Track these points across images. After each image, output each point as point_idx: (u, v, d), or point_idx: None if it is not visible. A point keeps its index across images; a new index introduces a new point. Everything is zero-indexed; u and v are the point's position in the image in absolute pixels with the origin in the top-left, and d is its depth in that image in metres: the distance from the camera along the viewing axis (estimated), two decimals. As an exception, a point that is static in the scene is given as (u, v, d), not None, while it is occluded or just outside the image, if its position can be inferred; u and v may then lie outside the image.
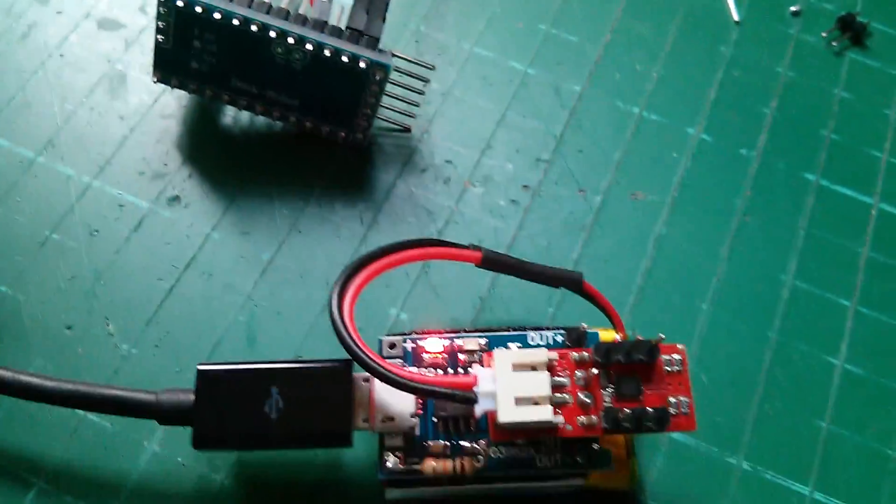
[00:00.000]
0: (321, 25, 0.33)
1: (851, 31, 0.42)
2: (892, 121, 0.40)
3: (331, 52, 0.32)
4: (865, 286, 0.36)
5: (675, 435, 0.32)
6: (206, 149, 0.37)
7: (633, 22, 0.41)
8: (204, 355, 0.33)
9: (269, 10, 0.32)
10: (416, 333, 0.30)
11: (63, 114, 0.37)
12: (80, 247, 0.34)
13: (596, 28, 0.41)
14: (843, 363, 0.34)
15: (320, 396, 0.28)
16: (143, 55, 0.39)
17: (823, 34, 0.42)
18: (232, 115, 0.38)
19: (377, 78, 0.33)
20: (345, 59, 0.32)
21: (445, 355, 0.30)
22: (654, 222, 0.36)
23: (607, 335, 0.31)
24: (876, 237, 0.37)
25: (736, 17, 0.42)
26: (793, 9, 0.42)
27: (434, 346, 0.30)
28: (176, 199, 0.36)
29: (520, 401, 0.27)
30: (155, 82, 0.35)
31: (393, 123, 0.37)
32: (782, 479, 0.32)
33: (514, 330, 0.31)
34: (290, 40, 0.32)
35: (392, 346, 0.30)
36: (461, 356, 0.30)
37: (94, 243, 0.35)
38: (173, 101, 0.38)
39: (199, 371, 0.28)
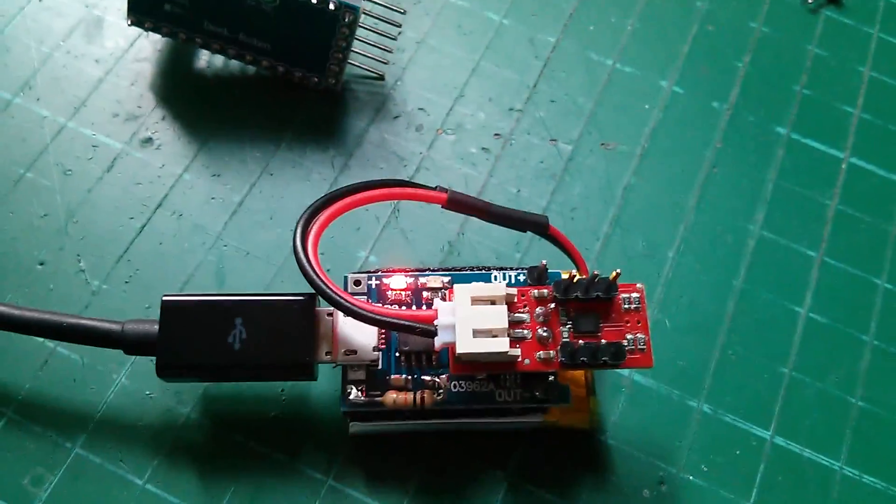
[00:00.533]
0: (292, -34, 0.33)
1: (829, -12, 0.42)
2: (865, 77, 0.40)
3: (300, -7, 0.32)
4: (832, 238, 0.36)
5: (637, 377, 0.33)
6: (179, 92, 0.37)
7: (609, -25, 0.41)
8: (173, 293, 0.33)
9: (239, -50, 0.32)
10: (382, 272, 0.31)
11: (40, 57, 0.37)
12: (54, 185, 0.35)
13: (572, -20, 0.41)
14: (807, 312, 0.34)
15: (283, 329, 0.29)
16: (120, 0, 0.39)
17: (800, -9, 0.42)
18: (206, 59, 0.38)
19: (347, 20, 0.33)
20: (314, 0, 0.32)
21: (409, 292, 0.30)
22: (624, 172, 0.37)
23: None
24: (845, 190, 0.37)
25: (713, -28, 0.42)
26: (770, -35, 0.43)
27: (398, 283, 0.30)
28: (149, 140, 0.36)
29: (478, 333, 0.27)
30: (129, 25, 0.35)
31: (366, 69, 0.37)
32: (743, 423, 0.32)
33: (478, 270, 0.31)
34: (260, -20, 0.32)
35: (357, 282, 0.30)
36: (425, 293, 0.30)
37: (68, 182, 0.35)
38: (148, 45, 0.38)
39: (164, 301, 0.29)
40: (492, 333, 0.27)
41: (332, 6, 0.33)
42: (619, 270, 0.28)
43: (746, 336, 0.34)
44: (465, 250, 0.35)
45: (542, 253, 0.34)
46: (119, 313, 0.32)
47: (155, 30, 0.35)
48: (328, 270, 0.33)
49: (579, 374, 0.30)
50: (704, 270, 0.35)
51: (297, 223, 0.28)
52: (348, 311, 0.27)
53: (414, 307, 0.30)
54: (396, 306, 0.30)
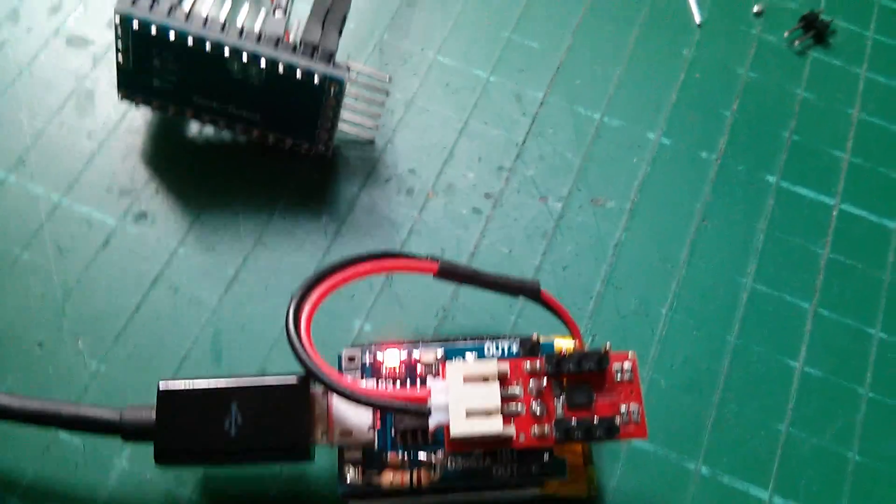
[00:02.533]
0: (276, 41, 0.33)
1: (814, 29, 0.42)
2: (853, 119, 0.40)
3: (285, 69, 0.33)
4: (825, 288, 0.36)
5: (634, 441, 0.33)
6: (172, 163, 0.37)
7: (594, 26, 0.42)
8: (171, 370, 0.33)
9: (223, 28, 0.33)
10: (376, 346, 0.31)
11: (33, 131, 0.38)
12: (50, 265, 0.35)
13: (557, 33, 0.41)
14: (802, 365, 0.35)
15: (278, 411, 0.29)
16: (111, 71, 0.39)
17: (786, 34, 0.42)
18: (197, 129, 0.38)
19: (333, 92, 0.33)
20: (299, 74, 0.33)
21: (403, 367, 0.31)
22: (614, 228, 0.37)
23: (564, 343, 0.32)
24: (837, 238, 0.37)
25: (698, 18, 0.42)
26: (755, 9, 0.43)
27: (392, 358, 0.31)
28: (143, 215, 0.36)
29: (471, 413, 0.27)
30: (119, 100, 0.36)
31: (356, 134, 0.38)
32: (741, 483, 0.32)
33: (472, 340, 0.31)
34: (245, 58, 0.32)
35: (351, 358, 0.31)
36: (419, 368, 0.31)
37: (63, 261, 0.35)
38: (140, 117, 0.38)
39: (160, 389, 0.29)
40: (485, 412, 0.27)
41: (317, 80, 0.33)
42: (609, 344, 0.28)
43: (742, 393, 0.34)
44: (459, 314, 0.35)
45: (537, 313, 0.34)
46: (118, 394, 0.33)
47: (146, 104, 0.36)
48: (323, 342, 0.34)
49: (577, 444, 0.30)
50: (698, 326, 0.35)
51: (289, 304, 0.29)
52: (342, 394, 0.27)
53: (408, 382, 0.30)
54: (391, 382, 0.30)
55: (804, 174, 0.39)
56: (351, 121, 0.37)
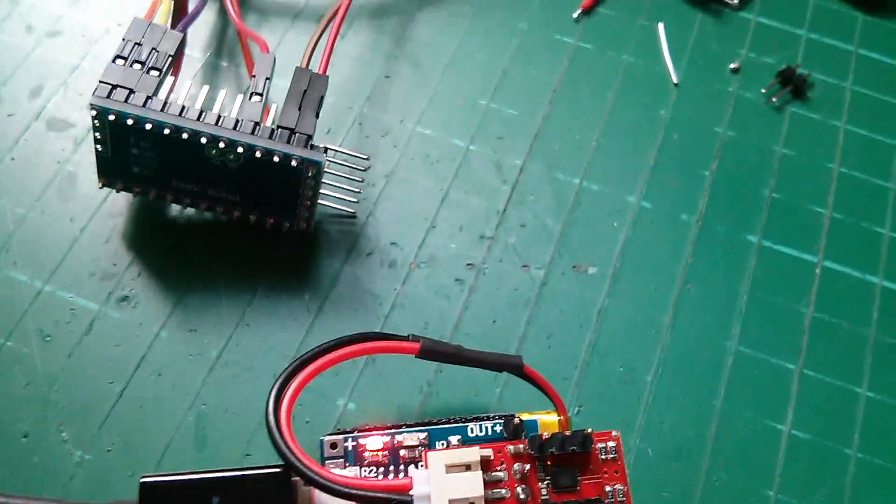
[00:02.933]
0: (253, 127, 0.33)
1: (792, 83, 0.42)
2: (834, 174, 0.40)
3: (262, 154, 0.33)
4: (810, 348, 0.36)
5: (622, 515, 0.32)
6: (154, 245, 0.37)
7: (571, 91, 0.42)
8: (156, 456, 0.33)
9: (200, 116, 0.33)
10: (358, 431, 0.31)
11: (15, 218, 0.38)
12: (34, 353, 0.35)
13: (535, 100, 0.42)
14: (789, 428, 0.34)
15: (261, 503, 0.29)
16: (92, 153, 0.39)
17: (763, 89, 0.42)
18: (179, 210, 0.38)
19: (311, 173, 0.34)
20: (276, 158, 0.33)
21: (386, 452, 0.30)
22: (597, 294, 0.37)
23: (549, 419, 0.31)
24: (820, 296, 0.37)
25: (675, 78, 0.42)
26: (732, 66, 0.43)
27: (375, 444, 0.31)
28: (125, 298, 0.36)
29: (454, 502, 0.27)
30: (100, 188, 0.36)
31: (337, 209, 0.38)
32: (732, 552, 0.32)
33: (455, 422, 0.31)
34: (221, 144, 0.33)
35: (333, 445, 0.31)
36: (402, 452, 0.30)
37: (47, 349, 0.35)
38: (122, 198, 0.38)
39: (142, 484, 0.29)
40: (469, 502, 0.27)
41: (293, 163, 0.33)
42: (590, 430, 0.28)
43: (730, 459, 0.34)
44: (444, 390, 0.35)
45: (522, 386, 0.33)
46: (103, 483, 0.33)
47: (126, 189, 0.36)
48: (307, 423, 0.34)
49: (562, 523, 0.30)
50: (684, 393, 0.35)
51: (269, 394, 0.29)
52: (322, 487, 0.27)
53: (392, 468, 0.30)
54: (374, 470, 0.30)
55: (786, 232, 0.39)
56: (332, 196, 0.37)
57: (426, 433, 0.31)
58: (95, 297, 0.36)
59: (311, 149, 0.34)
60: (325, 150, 0.34)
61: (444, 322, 0.36)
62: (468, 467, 0.28)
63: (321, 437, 0.31)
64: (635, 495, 0.28)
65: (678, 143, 0.41)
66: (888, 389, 0.35)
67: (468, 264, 0.38)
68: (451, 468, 0.28)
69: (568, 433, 0.28)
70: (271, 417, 0.28)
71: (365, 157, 0.36)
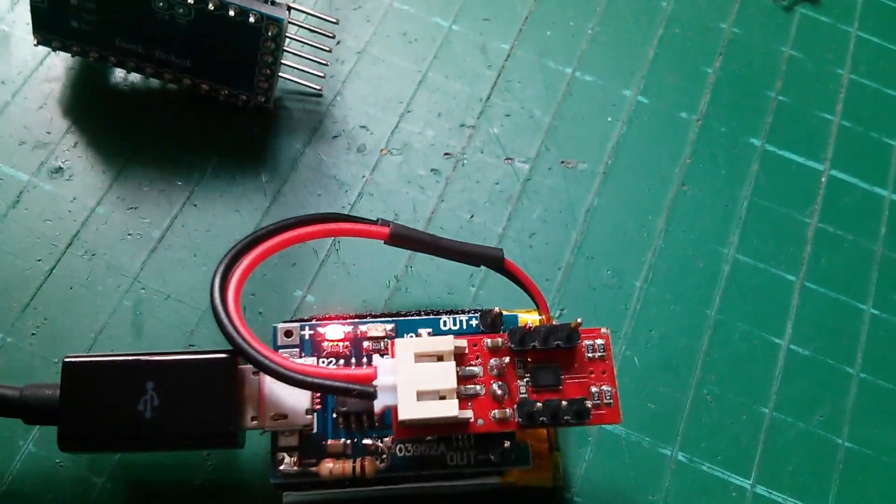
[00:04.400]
0: (207, -27, 0.29)
1: (803, -17, 0.39)
2: (844, 80, 0.37)
3: (215, 6, 0.29)
4: (813, 260, 0.33)
5: (605, 425, 0.30)
6: (93, 115, 0.33)
7: (567, -26, 0.38)
8: (85, 345, 0.29)
9: (147, -42, 0.29)
10: (317, 319, 0.28)
11: (-64, 77, 0.34)
12: (-49, 224, 0.31)
13: (527, -20, 0.38)
14: (787, 343, 0.32)
15: (202, 392, 0.25)
16: (28, 13, 0.35)
17: (773, -13, 0.39)
18: (123, 77, 0.34)
19: (271, 33, 0.30)
20: (231, 12, 0.29)
21: (348, 343, 0.27)
22: (586, 192, 0.34)
23: (530, 317, 0.28)
24: (826, 206, 0.34)
25: (679, -32, 0.39)
26: (740, -40, 0.39)
27: (335, 333, 0.27)
28: (59, 170, 0.32)
29: (423, 395, 0.24)
30: (35, 45, 0.32)
31: (301, 84, 0.34)
32: (721, 472, 0.30)
33: (426, 314, 0.28)
34: (170, -8, 0.29)
35: (288, 333, 0.27)
36: (366, 344, 0.27)
37: (-34, 221, 0.31)
38: (60, 63, 0.34)
39: (65, 364, 0.25)
40: (439, 395, 0.24)
41: (252, 19, 0.29)
42: (580, 319, 0.25)
43: (723, 373, 0.31)
44: (413, 286, 0.31)
45: (500, 285, 0.30)
46: (26, 370, 0.29)
47: (64, 49, 0.32)
48: (259, 314, 0.30)
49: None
50: (675, 301, 0.32)
51: (215, 272, 0.25)
52: (274, 374, 0.24)
53: (353, 361, 0.27)
54: (333, 361, 0.27)
55: (791, 137, 0.36)
56: (294, 69, 0.33)
57: (393, 325, 0.27)
58: (25, 167, 0.32)
59: (272, 4, 0.30)
60: (288, 8, 0.30)
61: (417, 214, 0.33)
62: (440, 358, 0.25)
63: (274, 325, 0.27)
64: (620, 406, 0.25)
65: (680, 37, 0.37)
66: (894, 307, 0.33)
67: (446, 154, 0.34)
68: (420, 357, 0.25)
69: (553, 325, 0.25)
70: (217, 294, 0.25)
71: (334, 20, 0.32)
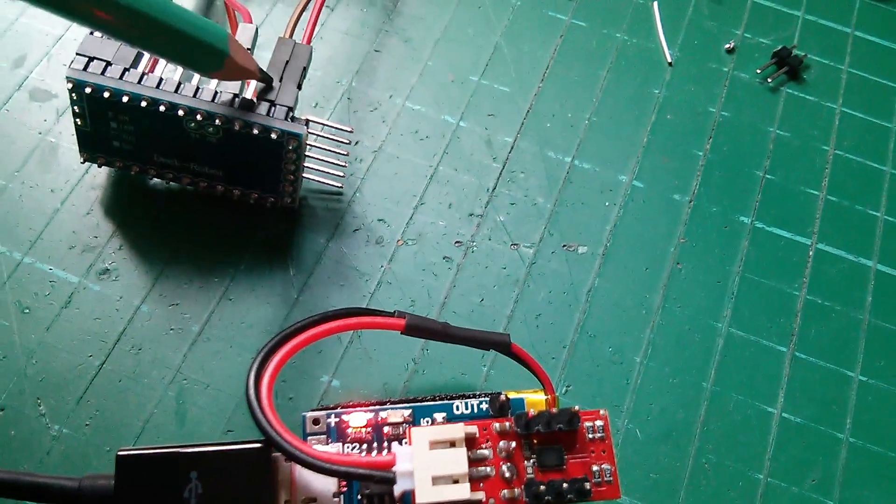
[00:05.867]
0: (231, 99, 0.32)
1: (787, 65, 0.42)
2: (829, 156, 0.40)
3: (240, 126, 0.32)
4: (803, 331, 0.36)
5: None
6: (135, 219, 0.37)
7: (564, 69, 0.41)
8: (134, 432, 0.33)
9: (178, 88, 0.32)
10: (342, 407, 0.30)
11: (-6, 188, 0.37)
12: (12, 325, 0.34)
13: (527, 77, 0.41)
14: (780, 412, 0.34)
15: (240, 479, 0.28)
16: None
17: (758, 70, 0.42)
18: (161, 183, 0.37)
19: (291, 146, 0.33)
20: (255, 131, 0.32)
21: (370, 429, 0.30)
22: (587, 274, 0.36)
23: (536, 397, 0.31)
24: (813, 279, 0.37)
25: (669, 57, 0.42)
26: (727, 46, 0.42)
27: (358, 420, 0.30)
28: (106, 271, 0.35)
29: (437, 479, 0.27)
30: (82, 163, 0.35)
31: (323, 183, 0.37)
32: (720, 534, 0.32)
33: (440, 399, 0.31)
34: (199, 117, 0.32)
35: (316, 421, 0.30)
36: (386, 429, 0.30)
37: (26, 321, 0.34)
38: (103, 171, 0.38)
39: (118, 457, 0.28)
40: (452, 479, 0.27)
41: (274, 135, 0.32)
42: (578, 407, 0.27)
43: (720, 442, 0.33)
44: (429, 368, 0.34)
45: (510, 365, 0.33)
46: (80, 458, 0.32)
47: (108, 164, 0.35)
48: (290, 399, 0.33)
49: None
50: (674, 374, 0.34)
51: (249, 370, 0.28)
52: (303, 463, 0.27)
53: (375, 445, 0.30)
54: (357, 446, 0.29)
55: (779, 214, 0.38)
56: (317, 171, 0.36)
57: (410, 410, 0.30)
58: (75, 269, 0.35)
59: (291, 121, 0.33)
60: (307, 122, 0.34)
61: (432, 300, 0.36)
62: (452, 444, 0.27)
63: (303, 413, 0.30)
64: (623, 477, 0.27)
65: (672, 122, 0.40)
66: (881, 374, 0.35)
67: (457, 242, 0.37)
68: (435, 445, 0.27)
69: (555, 411, 0.28)
70: (251, 391, 0.28)
71: (349, 129, 0.35)
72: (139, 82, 0.32)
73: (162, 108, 0.32)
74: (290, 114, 0.32)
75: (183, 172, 0.35)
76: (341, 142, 0.36)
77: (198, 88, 0.32)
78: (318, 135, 0.35)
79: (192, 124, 0.32)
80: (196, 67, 0.30)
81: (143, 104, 0.32)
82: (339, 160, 0.36)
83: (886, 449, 0.33)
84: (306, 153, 0.35)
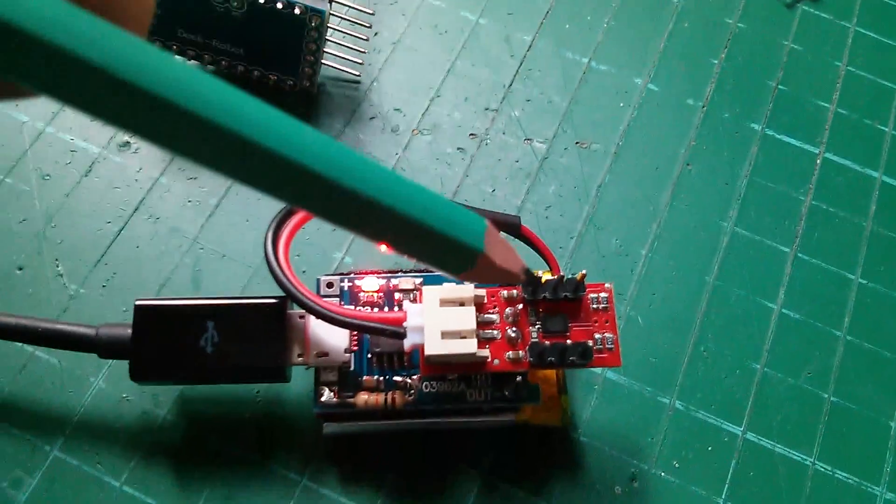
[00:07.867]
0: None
1: (805, -18, 0.42)
2: (841, 72, 0.40)
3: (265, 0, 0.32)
4: (806, 233, 0.36)
5: (609, 374, 0.33)
6: (157, 96, 0.37)
7: (585, -27, 0.41)
8: (150, 295, 0.33)
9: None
10: (355, 273, 0.31)
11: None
12: (32, 190, 0.35)
13: (548, -22, 0.41)
14: (780, 308, 0.35)
15: (255, 332, 0.29)
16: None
17: (777, -14, 0.42)
18: (183, 62, 0.38)
19: (314, 24, 0.33)
20: (279, 5, 0.32)
21: (381, 294, 0.31)
22: (598, 170, 0.37)
23: (543, 277, 0.32)
24: (819, 186, 0.37)
25: (689, -32, 0.42)
26: (747, -39, 0.43)
27: (370, 285, 0.31)
28: (126, 144, 0.36)
29: (446, 334, 0.27)
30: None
31: (342, 70, 0.37)
32: (714, 419, 0.33)
33: (450, 271, 0.31)
34: (226, -13, 0.32)
35: (329, 285, 0.31)
36: (397, 295, 0.31)
37: (46, 187, 0.35)
38: (126, 50, 0.38)
39: (137, 305, 0.29)
40: (460, 335, 0.28)
41: (297, 10, 0.33)
42: (584, 271, 0.28)
43: (719, 333, 0.34)
44: (440, 250, 0.35)
45: (518, 249, 0.34)
46: (96, 317, 0.33)
47: (131, 35, 0.36)
48: (303, 272, 0.34)
49: (550, 372, 0.30)
50: (677, 267, 0.35)
51: (269, 227, 0.29)
52: (318, 315, 0.28)
53: (386, 309, 0.30)
54: (368, 308, 0.30)
55: (789, 123, 0.39)
56: (336, 57, 0.37)
57: (422, 278, 0.31)
58: (96, 140, 0.36)
59: (315, -2, 0.33)
60: (330, 1, 0.34)
61: (445, 188, 0.36)
62: (462, 303, 0.28)
63: (318, 277, 0.31)
64: (624, 359, 0.28)
65: (688, 30, 0.40)
66: (881, 278, 0.36)
67: (471, 134, 0.37)
68: (445, 303, 0.28)
69: (561, 278, 0.29)
70: (270, 249, 0.28)
71: (370, 11, 0.36)
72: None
73: (188, -26, 0.32)
74: (314, -10, 0.33)
75: (205, 50, 0.35)
76: (363, 24, 0.36)
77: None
78: (339, 17, 0.36)
79: (218, -4, 0.33)
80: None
81: (171, -31, 0.32)
82: (359, 45, 0.37)
83: (881, 348, 0.34)
84: (326, 37, 0.35)
